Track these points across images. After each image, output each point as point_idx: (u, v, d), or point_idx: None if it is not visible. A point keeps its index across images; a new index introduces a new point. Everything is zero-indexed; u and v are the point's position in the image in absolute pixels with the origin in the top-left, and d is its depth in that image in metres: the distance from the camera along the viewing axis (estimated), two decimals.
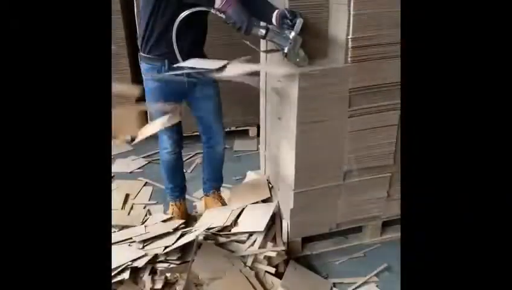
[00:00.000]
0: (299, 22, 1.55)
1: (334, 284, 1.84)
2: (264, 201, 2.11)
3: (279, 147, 1.99)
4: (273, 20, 1.65)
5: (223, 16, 1.51)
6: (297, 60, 1.61)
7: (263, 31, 1.54)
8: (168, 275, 1.67)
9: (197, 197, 2.44)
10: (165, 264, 1.70)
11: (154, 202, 2.41)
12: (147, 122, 3.09)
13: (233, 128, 3.11)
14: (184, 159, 2.73)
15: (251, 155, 2.88)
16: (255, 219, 1.95)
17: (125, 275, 1.61)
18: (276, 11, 1.65)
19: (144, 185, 2.57)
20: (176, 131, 2.01)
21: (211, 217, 2.03)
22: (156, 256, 1.71)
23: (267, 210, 1.99)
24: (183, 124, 2.08)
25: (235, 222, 1.97)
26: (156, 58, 1.80)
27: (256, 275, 1.73)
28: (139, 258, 1.67)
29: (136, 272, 1.67)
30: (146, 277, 1.66)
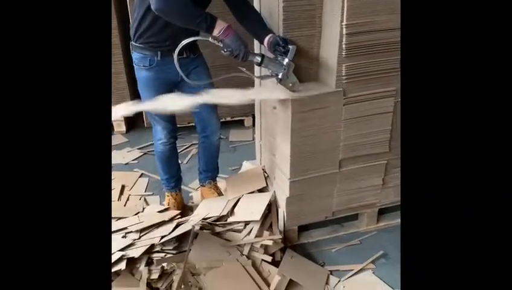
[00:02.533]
0: (292, 48, 1.62)
1: (331, 272, 1.85)
2: (260, 191, 2.11)
3: (274, 137, 1.99)
4: (265, 43, 1.72)
5: (221, 44, 1.58)
6: (290, 84, 1.68)
7: (259, 59, 1.63)
8: (164, 265, 1.67)
9: (193, 188, 2.44)
10: (162, 254, 1.70)
11: (151, 193, 2.41)
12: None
13: (228, 119, 3.10)
14: (180, 150, 2.74)
15: (247, 145, 2.88)
16: (251, 209, 1.95)
17: (122, 265, 1.61)
18: (269, 36, 1.71)
19: (140, 177, 2.56)
20: (170, 121, 2.00)
21: (207, 207, 2.03)
22: (152, 246, 1.71)
23: (263, 200, 2.00)
24: (178, 114, 2.07)
25: (231, 212, 1.98)
26: (148, 48, 1.78)
27: (253, 264, 1.73)
28: (132, 246, 1.66)
29: (132, 263, 1.67)
30: (142, 267, 1.66)
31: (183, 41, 1.61)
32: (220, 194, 2.23)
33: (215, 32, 1.57)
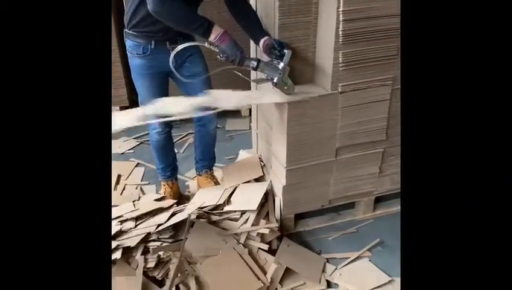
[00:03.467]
0: (287, 53, 1.62)
1: (328, 260, 1.85)
2: (256, 180, 2.11)
3: (271, 126, 1.98)
4: (260, 44, 1.71)
5: (217, 50, 1.59)
6: (285, 88, 1.69)
7: (255, 63, 1.63)
8: (160, 253, 1.67)
9: (189, 177, 2.43)
10: (158, 243, 1.70)
11: (147, 182, 2.40)
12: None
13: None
14: (176, 140, 2.72)
15: (243, 134, 2.87)
16: (248, 198, 1.94)
17: (117, 254, 1.61)
18: (265, 38, 1.70)
19: (136, 166, 2.55)
20: None
21: (204, 196, 2.03)
22: (148, 235, 1.70)
23: (260, 189, 1.99)
24: None
25: (227, 201, 1.97)
26: (141, 36, 1.76)
27: (250, 252, 1.73)
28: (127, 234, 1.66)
29: (128, 252, 1.66)
30: (138, 256, 1.65)
31: (178, 46, 1.64)
32: (216, 183, 2.23)
33: (212, 37, 1.58)
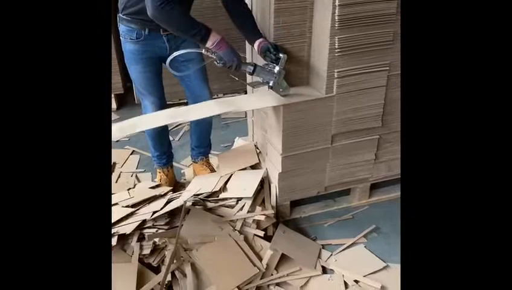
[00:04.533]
0: (283, 57, 1.65)
1: (323, 246, 1.86)
2: (252, 167, 2.10)
3: (266, 113, 1.96)
4: (255, 46, 1.74)
5: (214, 56, 1.62)
6: (281, 90, 1.72)
7: (251, 68, 1.67)
8: (156, 240, 1.67)
9: (185, 165, 2.42)
10: (153, 230, 1.70)
11: (142, 170, 2.39)
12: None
13: (220, 96, 3.07)
14: (171, 127, 2.71)
15: (239, 122, 2.86)
16: (244, 185, 1.94)
17: (113, 241, 1.60)
18: (260, 40, 1.72)
19: (131, 154, 2.54)
20: (159, 96, 1.96)
21: (200, 184, 2.02)
22: (143, 222, 1.70)
23: (256, 176, 1.99)
24: (169, 91, 2.03)
25: (223, 188, 1.97)
26: (135, 21, 1.74)
27: (245, 239, 1.74)
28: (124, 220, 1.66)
29: (123, 239, 1.66)
30: (134, 243, 1.65)
31: (174, 53, 1.67)
32: (212, 170, 2.22)
33: (209, 44, 1.59)
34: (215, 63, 1.65)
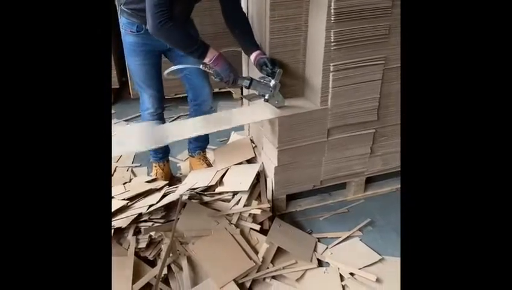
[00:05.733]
0: (279, 71, 1.69)
1: (319, 239, 1.87)
2: (248, 161, 2.11)
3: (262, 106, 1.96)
4: (252, 58, 1.77)
5: (212, 71, 1.67)
6: (276, 102, 1.76)
7: (247, 82, 1.71)
8: (152, 233, 1.67)
9: (181, 159, 2.42)
10: (149, 224, 1.70)
11: (138, 164, 2.38)
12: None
13: (216, 90, 3.05)
14: (168, 122, 2.70)
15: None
16: (240, 179, 1.94)
17: None
18: (257, 53, 1.75)
19: None
20: (157, 89, 1.96)
21: (196, 178, 2.02)
22: (139, 216, 1.70)
23: (252, 170, 1.99)
24: (165, 86, 2.03)
25: (219, 182, 1.97)
26: (136, 15, 1.74)
27: (242, 233, 1.74)
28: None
29: (119, 232, 1.66)
30: (130, 237, 1.65)
31: (174, 67, 1.73)
32: (209, 165, 2.22)
33: (207, 60, 1.65)
34: (213, 77, 1.70)
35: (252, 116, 1.91)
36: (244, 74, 2.06)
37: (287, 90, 1.83)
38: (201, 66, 1.68)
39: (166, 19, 1.53)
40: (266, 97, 1.73)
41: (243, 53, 1.96)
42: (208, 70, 1.68)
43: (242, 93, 2.09)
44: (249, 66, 2.02)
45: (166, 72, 1.74)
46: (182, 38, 1.62)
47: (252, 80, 1.71)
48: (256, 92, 1.78)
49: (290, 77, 1.84)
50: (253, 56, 1.77)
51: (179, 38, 1.62)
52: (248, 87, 1.73)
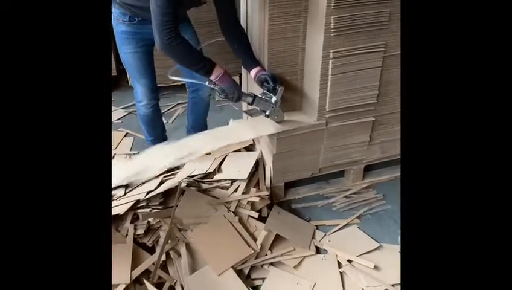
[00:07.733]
0: (280, 89, 1.73)
1: (317, 227, 1.87)
2: (247, 149, 2.10)
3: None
4: (252, 74, 1.79)
5: (216, 88, 1.70)
6: (276, 117, 1.81)
7: (250, 99, 1.73)
8: (150, 220, 1.67)
9: None
10: (147, 210, 1.70)
11: (136, 152, 2.37)
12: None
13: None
14: (165, 110, 2.70)
15: (233, 105, 2.84)
16: (238, 166, 1.94)
17: None
18: (257, 69, 1.77)
19: (125, 136, 2.52)
20: (150, 78, 1.95)
21: (194, 165, 2.02)
22: (137, 202, 1.69)
23: (250, 157, 1.99)
24: (163, 74, 2.01)
25: (218, 169, 1.97)
26: (128, 9, 1.74)
27: (240, 220, 1.74)
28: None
29: (117, 219, 1.66)
30: (128, 224, 1.65)
31: (177, 78, 1.77)
32: (207, 153, 2.21)
33: (212, 77, 1.66)
34: (217, 94, 1.73)
35: (252, 131, 1.92)
36: (243, 88, 2.09)
37: (285, 85, 1.82)
38: (207, 83, 1.70)
39: (175, 36, 1.53)
40: (267, 113, 1.77)
41: (242, 68, 1.97)
42: (213, 87, 1.71)
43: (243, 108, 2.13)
44: (248, 83, 2.06)
45: (169, 72, 1.74)
46: (188, 56, 1.63)
47: (254, 96, 1.73)
48: (258, 108, 1.80)
49: (290, 65, 1.82)
50: (253, 72, 1.78)
51: (185, 55, 1.62)
52: (251, 104, 1.75)
